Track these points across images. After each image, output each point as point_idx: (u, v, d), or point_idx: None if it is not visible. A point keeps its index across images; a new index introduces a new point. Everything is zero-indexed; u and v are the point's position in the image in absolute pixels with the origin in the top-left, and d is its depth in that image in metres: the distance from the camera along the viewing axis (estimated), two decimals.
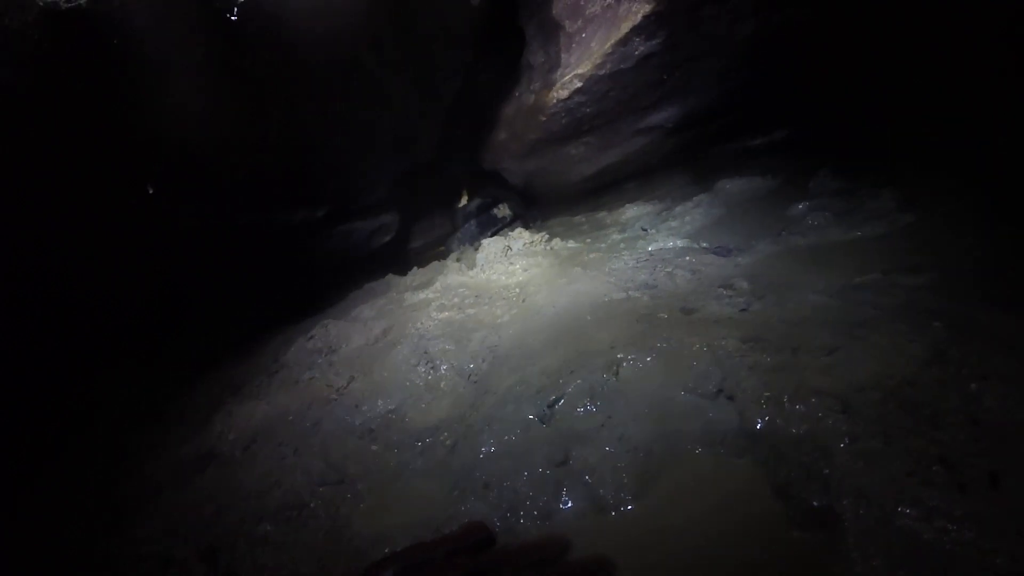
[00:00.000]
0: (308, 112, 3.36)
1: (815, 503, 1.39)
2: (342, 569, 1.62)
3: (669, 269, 2.85)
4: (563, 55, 4.04)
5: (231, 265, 3.82)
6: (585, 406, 1.96)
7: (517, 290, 3.18)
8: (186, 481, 2.30)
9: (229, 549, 1.83)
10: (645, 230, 3.97)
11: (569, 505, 1.66)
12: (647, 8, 3.45)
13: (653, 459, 1.71)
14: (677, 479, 1.65)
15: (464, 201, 5.69)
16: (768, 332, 2.01)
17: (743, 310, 2.26)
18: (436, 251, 5.35)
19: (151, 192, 2.91)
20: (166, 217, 3.21)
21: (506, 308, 2.96)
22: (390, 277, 4.38)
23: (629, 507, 1.62)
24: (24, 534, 2.33)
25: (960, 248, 2.39)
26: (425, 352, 2.64)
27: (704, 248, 3.23)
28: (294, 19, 2.91)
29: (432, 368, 2.55)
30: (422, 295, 3.49)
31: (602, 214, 4.84)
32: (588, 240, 4.10)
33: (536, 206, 5.86)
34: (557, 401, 2.01)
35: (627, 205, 4.72)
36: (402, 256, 5.20)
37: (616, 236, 4.04)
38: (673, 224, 3.91)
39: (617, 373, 2.04)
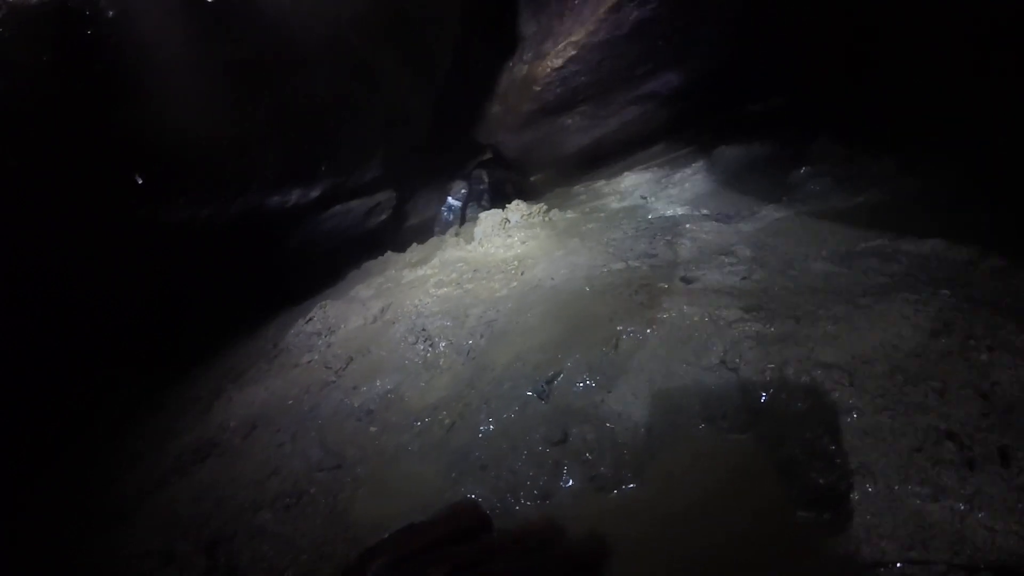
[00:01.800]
0: (296, 93, 3.29)
1: (820, 481, 1.36)
2: (337, 559, 1.60)
3: (669, 237, 2.80)
4: (555, 23, 3.93)
5: (228, 252, 3.77)
6: (584, 382, 1.93)
7: (515, 263, 3.13)
8: (187, 472, 2.29)
9: (228, 541, 1.81)
10: (644, 198, 3.91)
11: (569, 485, 1.64)
12: None
13: (653, 436, 1.69)
14: (678, 456, 1.63)
15: (461, 176, 5.61)
16: (771, 301, 1.98)
17: (745, 279, 2.22)
18: (434, 226, 5.29)
19: (140, 183, 2.86)
20: (161, 211, 3.15)
21: (504, 282, 2.91)
22: (389, 254, 4.33)
23: (630, 485, 1.59)
24: (24, 534, 2.32)
25: (963, 214, 2.33)
26: (423, 330, 2.61)
27: (704, 215, 3.18)
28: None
29: (430, 346, 2.52)
30: (420, 272, 3.45)
31: (600, 183, 4.77)
32: (586, 210, 4.03)
33: (533, 178, 5.79)
34: (555, 377, 1.98)
35: (625, 173, 4.64)
36: (401, 233, 5.13)
37: (615, 205, 3.98)
38: (673, 192, 3.85)
39: (616, 347, 2.01)
